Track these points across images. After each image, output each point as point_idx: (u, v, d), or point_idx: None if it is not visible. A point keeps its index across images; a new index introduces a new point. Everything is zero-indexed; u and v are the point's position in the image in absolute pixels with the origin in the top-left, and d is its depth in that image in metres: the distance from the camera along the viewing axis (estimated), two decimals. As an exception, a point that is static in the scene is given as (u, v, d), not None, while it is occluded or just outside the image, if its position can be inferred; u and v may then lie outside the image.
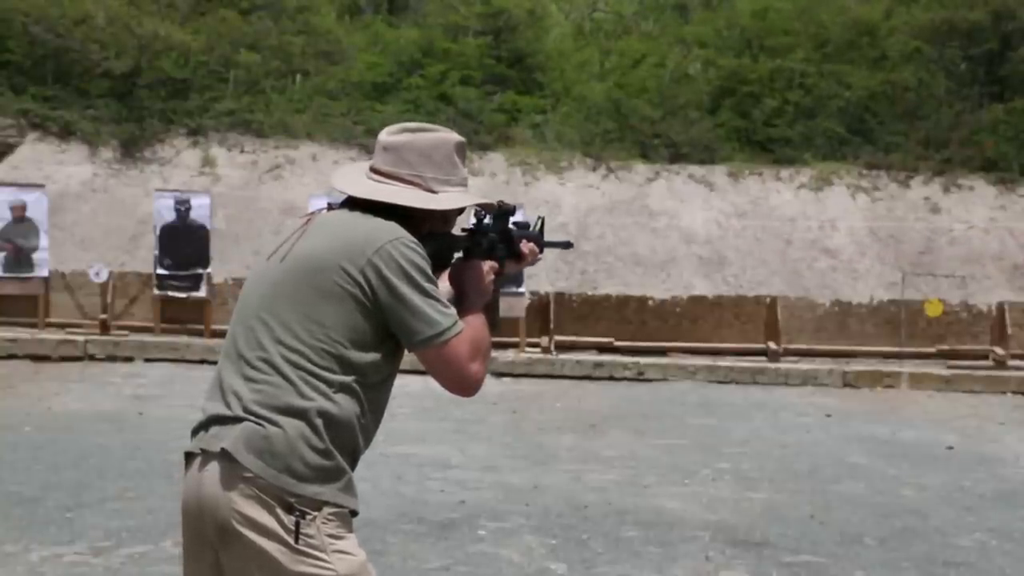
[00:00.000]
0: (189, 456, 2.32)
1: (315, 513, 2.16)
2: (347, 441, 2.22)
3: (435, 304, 2.21)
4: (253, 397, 2.20)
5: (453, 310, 2.25)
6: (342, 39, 18.76)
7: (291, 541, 2.15)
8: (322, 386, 2.18)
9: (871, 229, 15.48)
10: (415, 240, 2.26)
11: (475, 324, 2.30)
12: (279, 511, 2.15)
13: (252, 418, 2.18)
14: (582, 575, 4.91)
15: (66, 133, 15.83)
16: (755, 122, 17.06)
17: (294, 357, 2.19)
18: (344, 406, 2.19)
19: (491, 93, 17.33)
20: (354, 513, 2.27)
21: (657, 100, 17.48)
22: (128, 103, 16.28)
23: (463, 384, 2.26)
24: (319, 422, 2.17)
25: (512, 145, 16.59)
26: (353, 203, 2.37)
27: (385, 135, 2.42)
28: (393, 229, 2.25)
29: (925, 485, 7.01)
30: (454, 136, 2.42)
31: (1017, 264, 15.07)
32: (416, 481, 6.42)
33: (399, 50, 18.37)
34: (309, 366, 2.19)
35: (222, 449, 2.19)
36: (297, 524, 2.15)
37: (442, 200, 2.37)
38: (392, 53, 18.33)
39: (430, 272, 2.25)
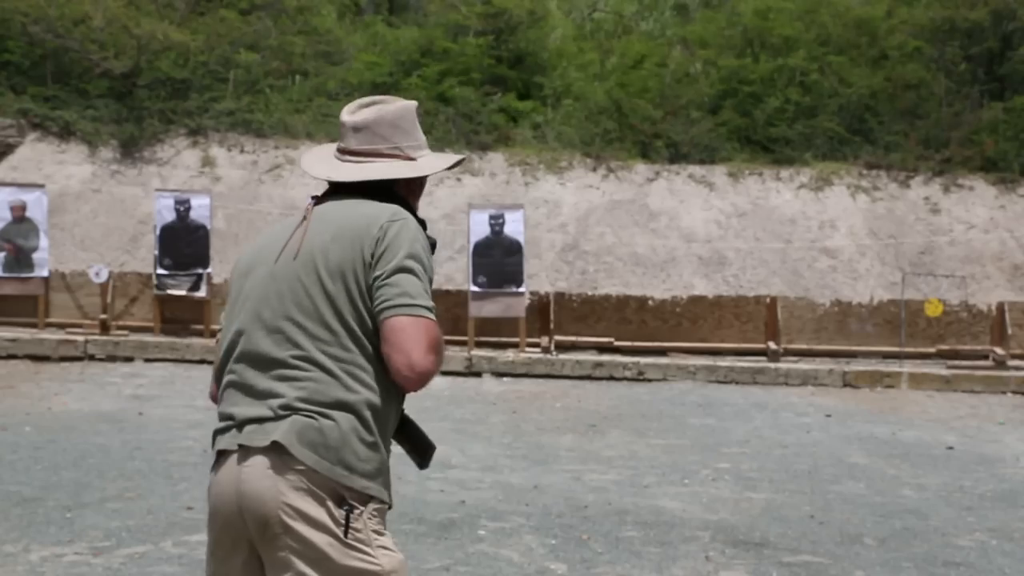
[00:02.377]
0: (222, 454, 2.27)
1: (362, 508, 2.18)
2: (387, 433, 2.26)
3: (421, 284, 2.23)
4: (298, 395, 2.19)
5: (433, 304, 2.27)
6: (342, 39, 18.77)
7: (341, 535, 2.15)
8: (366, 377, 2.20)
9: (871, 229, 15.48)
10: (418, 225, 2.31)
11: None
12: (330, 504, 2.16)
13: (301, 414, 2.17)
14: (582, 575, 4.91)
15: (66, 133, 15.83)
16: (756, 122, 17.06)
17: (336, 352, 2.20)
18: (385, 397, 2.22)
19: (491, 93, 17.33)
20: (389, 507, 2.31)
21: (658, 100, 17.48)
22: (127, 103, 16.28)
23: (412, 366, 2.18)
24: (368, 415, 2.19)
25: (512, 145, 16.59)
26: (339, 189, 2.38)
27: (348, 116, 2.43)
28: (396, 209, 2.31)
29: (925, 485, 7.01)
30: (411, 102, 2.48)
31: (1017, 264, 15.06)
32: (416, 481, 6.41)
33: (399, 50, 18.38)
34: (349, 356, 2.20)
35: (273, 442, 2.17)
36: (347, 518, 2.16)
37: (423, 166, 2.42)
38: (392, 53, 18.34)
39: (428, 260, 2.28)
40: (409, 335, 2.17)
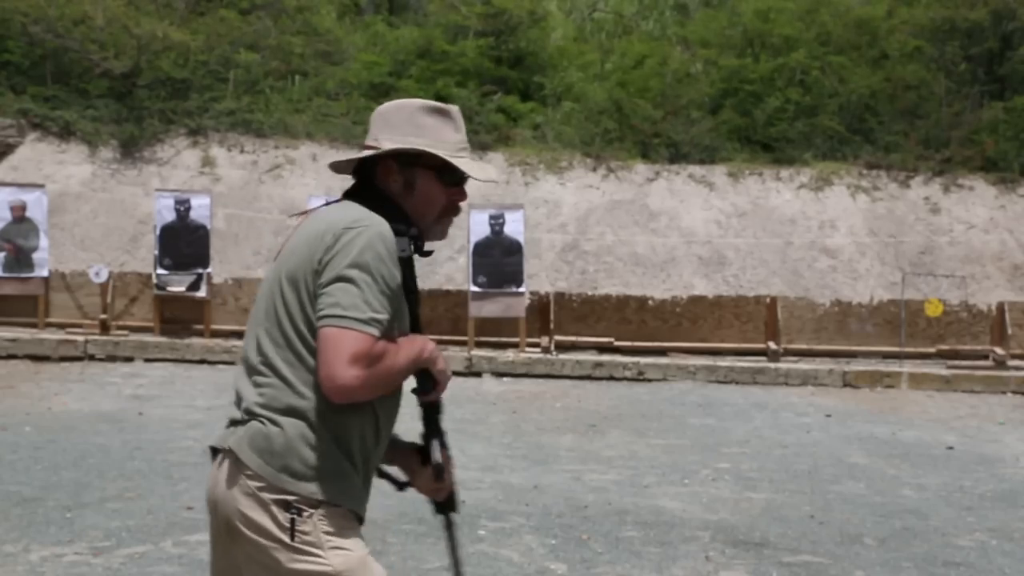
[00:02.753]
0: (214, 451, 2.34)
1: (311, 511, 2.17)
2: (346, 440, 2.21)
3: (360, 294, 2.12)
4: (257, 400, 2.23)
5: (381, 316, 2.14)
6: (342, 39, 18.77)
7: (286, 539, 2.16)
8: (318, 383, 2.19)
9: (871, 229, 15.48)
10: (384, 232, 2.18)
11: (396, 350, 2.18)
12: (274, 509, 2.17)
13: (257, 419, 2.21)
14: (582, 575, 4.91)
15: (66, 133, 15.83)
16: (756, 122, 17.06)
17: (290, 357, 2.20)
18: (341, 405, 2.17)
19: (490, 93, 17.33)
20: (359, 518, 2.26)
21: (658, 100, 17.48)
22: (127, 103, 16.28)
23: (331, 378, 2.11)
24: (317, 422, 2.18)
25: (512, 145, 16.59)
26: (346, 194, 2.38)
27: None
28: (361, 216, 2.21)
29: (925, 485, 7.01)
30: (420, 100, 2.39)
31: (1017, 264, 15.06)
32: (416, 481, 6.41)
33: (399, 50, 18.39)
34: (301, 363, 2.20)
35: (229, 447, 2.23)
36: (293, 521, 2.16)
37: (377, 151, 2.32)
38: (392, 53, 18.35)
39: (382, 270, 2.15)
40: (330, 347, 2.10)
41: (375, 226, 2.19)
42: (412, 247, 2.28)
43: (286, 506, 2.16)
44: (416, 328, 2.33)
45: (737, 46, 18.81)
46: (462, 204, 2.43)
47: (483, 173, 2.36)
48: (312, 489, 2.17)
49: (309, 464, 2.17)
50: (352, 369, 2.09)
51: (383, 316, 2.14)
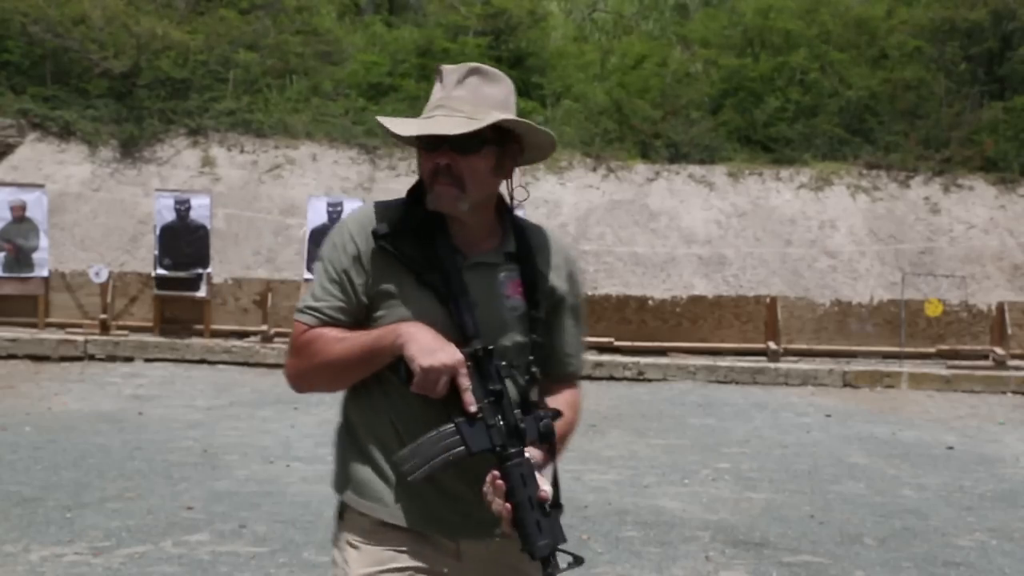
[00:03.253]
0: None
1: (345, 515, 2.15)
2: (360, 443, 2.13)
3: (312, 285, 2.14)
4: None
5: (319, 304, 2.07)
6: (341, 39, 18.78)
7: (332, 540, 2.19)
8: (347, 391, 2.20)
9: (871, 229, 15.48)
10: (344, 221, 2.14)
11: (332, 337, 2.05)
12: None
13: None
14: (582, 575, 4.91)
15: (66, 133, 15.84)
16: (756, 122, 17.06)
17: None
18: (355, 409, 2.16)
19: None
20: (411, 531, 2.09)
21: (658, 100, 17.49)
22: (127, 103, 16.28)
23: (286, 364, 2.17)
24: (345, 426, 2.19)
25: (512, 145, 16.59)
26: None
27: None
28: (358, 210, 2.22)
29: (925, 485, 7.01)
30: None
31: (1017, 264, 15.06)
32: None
33: (398, 50, 18.40)
34: None
35: None
36: (337, 525, 2.17)
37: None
38: (391, 53, 18.35)
39: (332, 257, 2.09)
40: None
41: (346, 216, 2.19)
42: (399, 221, 2.08)
43: (337, 507, 2.19)
44: (454, 302, 2.06)
45: (737, 46, 18.82)
46: (461, 170, 2.08)
47: (405, 128, 2.11)
48: (340, 493, 2.16)
49: (339, 467, 2.17)
50: (287, 357, 2.13)
51: (322, 303, 2.08)
